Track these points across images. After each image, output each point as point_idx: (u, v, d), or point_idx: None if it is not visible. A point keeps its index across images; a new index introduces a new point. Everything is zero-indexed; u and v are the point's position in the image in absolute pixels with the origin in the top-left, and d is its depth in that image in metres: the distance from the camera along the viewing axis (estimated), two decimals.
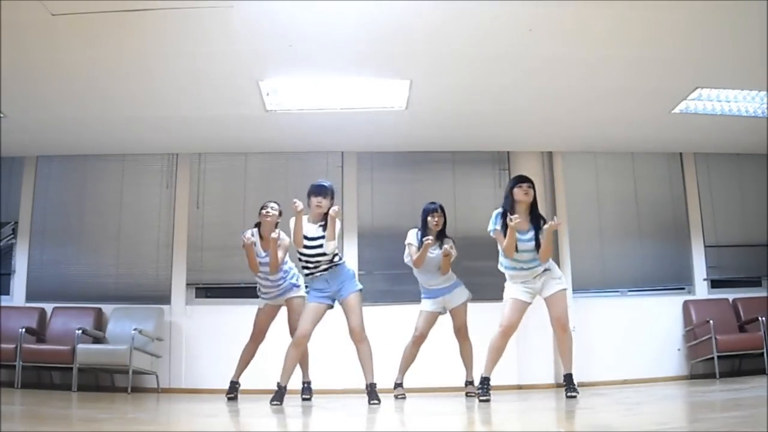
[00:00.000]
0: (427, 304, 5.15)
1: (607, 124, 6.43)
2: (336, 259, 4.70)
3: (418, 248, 5.02)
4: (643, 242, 7.07)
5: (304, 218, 4.64)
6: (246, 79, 5.33)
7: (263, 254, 5.05)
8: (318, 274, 4.66)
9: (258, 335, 5.19)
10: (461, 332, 5.16)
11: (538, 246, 4.49)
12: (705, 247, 7.02)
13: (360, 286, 4.75)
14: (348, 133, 6.54)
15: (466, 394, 5.13)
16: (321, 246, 4.59)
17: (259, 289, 5.21)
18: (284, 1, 4.23)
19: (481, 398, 4.42)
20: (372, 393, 4.58)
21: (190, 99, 5.69)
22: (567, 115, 6.17)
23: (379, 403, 4.49)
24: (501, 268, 4.66)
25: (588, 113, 6.13)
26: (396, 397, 5.06)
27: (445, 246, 4.96)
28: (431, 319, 5.14)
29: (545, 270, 4.56)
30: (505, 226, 4.48)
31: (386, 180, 7.09)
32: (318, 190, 4.68)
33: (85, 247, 6.90)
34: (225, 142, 6.75)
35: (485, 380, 4.49)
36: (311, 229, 4.66)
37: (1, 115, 5.83)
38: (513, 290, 4.57)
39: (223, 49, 4.83)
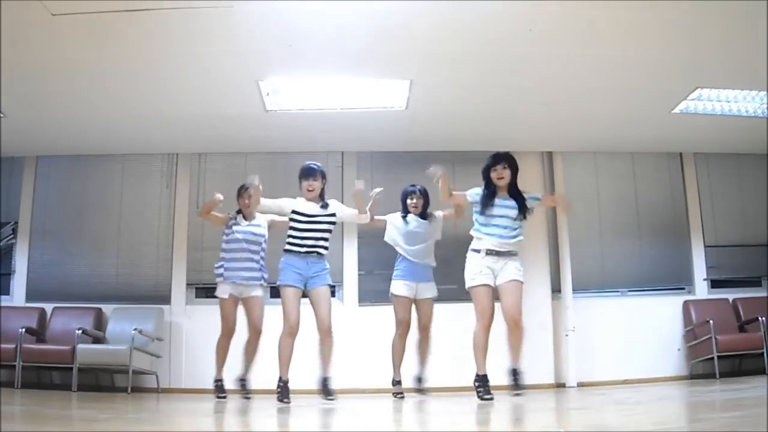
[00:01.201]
0: (400, 287, 5.11)
1: (607, 124, 6.43)
2: (322, 248, 4.74)
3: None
4: (642, 242, 7.07)
5: (301, 199, 4.80)
6: (246, 79, 5.33)
7: (244, 226, 5.14)
8: (303, 251, 4.66)
9: (230, 329, 5.14)
10: (426, 330, 5.15)
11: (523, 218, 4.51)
12: (705, 247, 7.02)
13: (331, 283, 4.82)
14: (348, 133, 6.54)
15: (408, 392, 5.16)
16: (318, 223, 4.71)
17: (223, 268, 5.12)
18: (284, 1, 4.23)
19: (485, 397, 4.32)
20: (327, 388, 4.61)
21: (190, 99, 5.69)
22: (567, 115, 6.17)
23: (334, 398, 4.55)
24: (472, 232, 4.55)
25: (588, 113, 6.13)
26: (395, 395, 5.05)
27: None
28: (407, 305, 5.11)
29: (512, 255, 4.46)
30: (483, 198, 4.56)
31: (386, 180, 7.05)
32: (308, 173, 4.78)
33: (85, 247, 6.90)
34: (225, 142, 6.75)
35: (483, 378, 4.40)
36: (309, 207, 4.75)
37: (1, 115, 5.83)
38: (473, 272, 4.44)
39: (224, 49, 4.83)
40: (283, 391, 4.54)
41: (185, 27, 4.49)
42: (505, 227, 4.46)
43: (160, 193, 6.99)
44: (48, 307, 6.57)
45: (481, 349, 4.41)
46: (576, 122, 6.35)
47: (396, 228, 5.23)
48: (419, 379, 5.20)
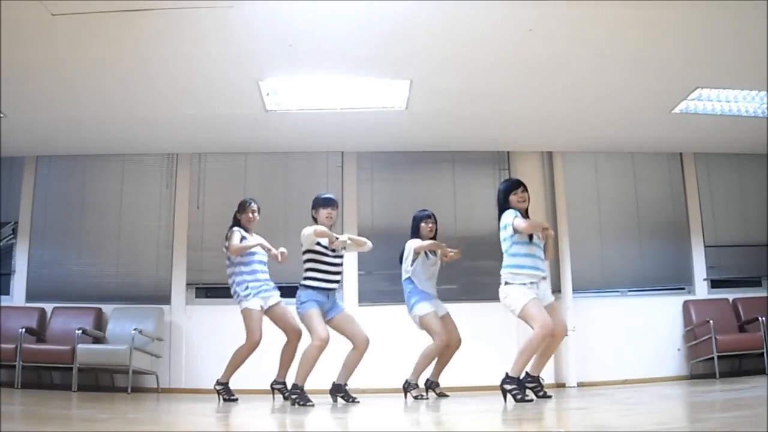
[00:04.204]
0: (427, 307, 5.07)
1: (607, 124, 6.43)
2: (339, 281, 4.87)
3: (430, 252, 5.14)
4: (643, 242, 7.07)
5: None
6: (246, 79, 5.33)
7: (256, 240, 5.12)
8: (329, 288, 4.74)
9: (258, 341, 4.99)
10: (457, 345, 5.11)
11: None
12: (705, 247, 7.02)
13: None
14: (348, 133, 6.54)
15: (438, 394, 5.17)
16: (338, 257, 4.79)
17: (251, 286, 4.99)
18: (284, 1, 4.23)
19: (519, 397, 4.14)
20: (347, 393, 4.78)
21: (190, 99, 5.69)
22: (567, 115, 6.17)
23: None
24: (512, 271, 4.33)
25: (588, 113, 6.13)
26: (415, 397, 5.05)
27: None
28: (439, 318, 5.09)
29: (544, 277, 4.45)
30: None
31: (386, 180, 7.09)
32: (328, 202, 4.84)
33: (85, 247, 6.90)
34: (225, 142, 6.75)
35: (518, 380, 4.22)
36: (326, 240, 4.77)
37: (1, 115, 5.83)
38: (526, 292, 4.28)
39: (223, 49, 4.83)
40: (301, 396, 4.55)
41: (185, 27, 4.49)
42: (538, 256, 4.40)
43: (160, 193, 6.99)
44: (48, 307, 6.57)
45: (530, 354, 4.26)
46: (576, 122, 6.35)
47: (423, 263, 5.13)
48: (434, 383, 5.23)
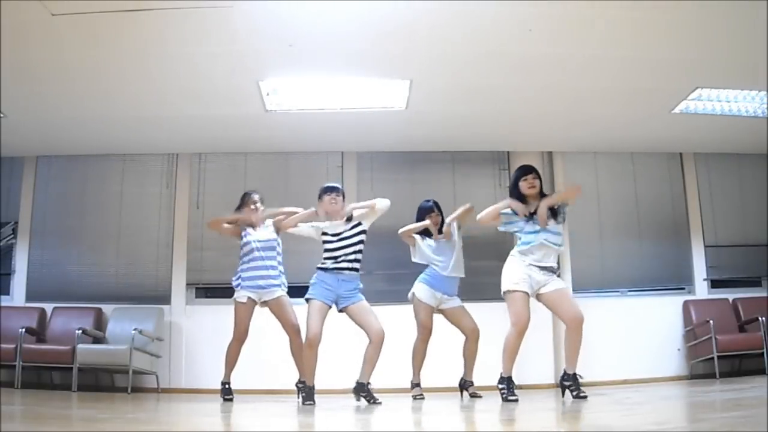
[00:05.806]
0: (425, 292, 5.06)
1: (607, 124, 6.44)
2: (355, 262, 4.76)
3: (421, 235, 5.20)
4: (643, 242, 7.07)
5: (326, 222, 4.78)
6: (246, 79, 5.33)
7: (255, 234, 5.04)
8: (333, 266, 4.66)
9: (243, 334, 4.98)
10: (474, 335, 5.09)
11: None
12: (705, 247, 7.02)
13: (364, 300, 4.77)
14: (348, 133, 6.54)
15: (471, 395, 5.10)
16: (348, 239, 4.70)
17: (240, 279, 4.99)
18: (284, 1, 4.23)
19: (509, 398, 4.28)
20: (369, 392, 4.61)
21: (190, 99, 5.69)
22: (567, 115, 6.17)
23: (377, 402, 4.51)
24: (517, 252, 4.42)
25: (588, 113, 6.14)
26: (414, 397, 5.01)
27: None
28: (429, 311, 5.07)
29: (553, 271, 4.41)
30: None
31: (386, 180, 7.09)
32: (328, 189, 4.78)
33: (85, 247, 6.90)
34: (225, 142, 6.75)
35: (508, 379, 4.37)
36: (335, 227, 4.73)
37: (1, 115, 5.83)
38: (515, 277, 4.35)
39: (224, 49, 4.83)
40: (307, 395, 4.54)
41: (185, 27, 4.49)
42: (548, 243, 4.38)
43: (160, 193, 6.99)
44: (48, 307, 6.57)
45: (509, 352, 4.36)
46: (576, 122, 6.36)
47: (427, 246, 5.15)
48: (467, 383, 5.18)
